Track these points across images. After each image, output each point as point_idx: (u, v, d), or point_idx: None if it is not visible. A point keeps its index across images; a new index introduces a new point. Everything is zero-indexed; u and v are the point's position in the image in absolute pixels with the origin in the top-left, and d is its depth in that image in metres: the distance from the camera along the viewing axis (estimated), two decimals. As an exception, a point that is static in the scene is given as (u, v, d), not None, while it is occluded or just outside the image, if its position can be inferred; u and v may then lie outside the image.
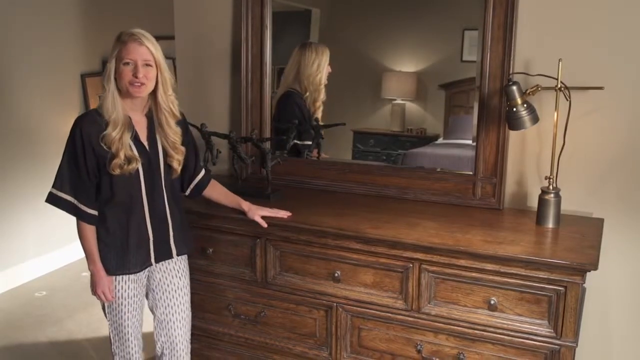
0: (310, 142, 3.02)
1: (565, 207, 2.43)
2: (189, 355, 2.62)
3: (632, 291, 2.52)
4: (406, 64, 2.88)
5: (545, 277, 2.09)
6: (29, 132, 4.26)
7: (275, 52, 2.96)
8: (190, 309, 2.58)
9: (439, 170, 2.68)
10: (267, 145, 2.74)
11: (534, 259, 2.09)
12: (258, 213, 2.48)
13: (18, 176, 4.23)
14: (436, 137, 2.86)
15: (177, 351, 2.57)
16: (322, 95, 2.97)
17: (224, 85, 3.09)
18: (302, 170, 2.88)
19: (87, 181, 2.28)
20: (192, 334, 2.69)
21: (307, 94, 2.96)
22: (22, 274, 4.28)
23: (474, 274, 2.19)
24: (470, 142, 2.63)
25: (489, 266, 2.15)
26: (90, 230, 2.34)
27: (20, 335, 3.58)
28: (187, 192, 2.54)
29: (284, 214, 2.48)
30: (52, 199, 2.33)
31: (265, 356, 2.64)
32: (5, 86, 4.15)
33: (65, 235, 4.41)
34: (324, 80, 2.95)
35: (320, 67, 2.94)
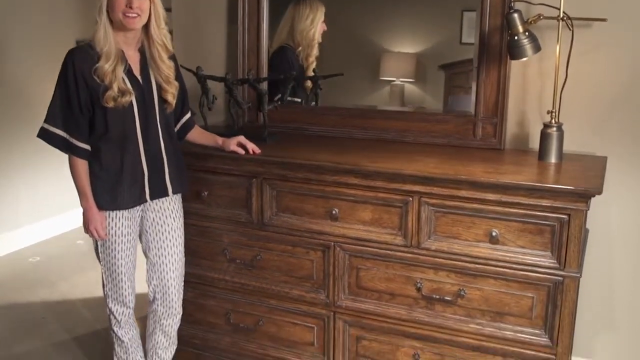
0: (299, 100, 2.97)
1: (568, 147, 2.38)
2: (181, 300, 2.56)
3: (636, 232, 2.46)
4: (405, 46, 2.84)
5: (549, 205, 2.04)
6: (22, 98, 4.20)
7: (271, 39, 2.93)
8: (183, 252, 2.53)
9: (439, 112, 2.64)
10: (264, 86, 2.68)
11: (537, 185, 2.04)
12: (233, 142, 2.45)
13: (11, 143, 4.18)
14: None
15: (169, 295, 2.51)
16: (315, 51, 2.92)
17: (220, 34, 3.03)
18: (301, 117, 2.82)
19: (80, 115, 2.23)
20: (186, 282, 2.64)
21: (300, 48, 2.92)
22: (15, 241, 4.21)
23: (475, 205, 2.14)
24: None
25: (491, 196, 2.10)
26: (83, 165, 2.28)
27: (12, 296, 3.53)
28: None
29: (254, 146, 2.45)
30: (43, 135, 2.28)
31: (261, 301, 2.58)
32: (-2, 53, 4.11)
33: (59, 203, 4.36)
34: (317, 36, 2.90)
35: (314, 22, 2.90)
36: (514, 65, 2.48)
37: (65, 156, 2.31)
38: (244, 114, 2.85)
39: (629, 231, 2.47)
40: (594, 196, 1.99)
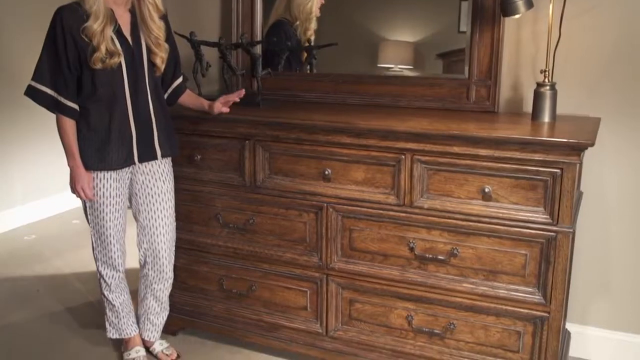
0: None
1: (562, 110, 2.37)
2: (172, 264, 2.56)
3: (631, 194, 2.45)
4: (403, 34, 2.83)
5: (541, 159, 2.03)
6: (14, 76, 4.19)
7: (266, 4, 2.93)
8: (174, 216, 2.52)
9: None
10: (258, 50, 2.67)
11: (530, 138, 2.03)
12: (217, 106, 2.42)
13: (6, 123, 4.16)
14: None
15: (159, 259, 2.50)
16: (313, 25, 2.92)
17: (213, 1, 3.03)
18: (295, 85, 2.82)
19: (68, 73, 2.22)
20: (179, 248, 2.64)
21: (298, 22, 2.92)
22: (10, 220, 4.19)
23: (467, 162, 2.13)
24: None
25: (483, 151, 2.09)
26: (71, 124, 2.28)
27: (6, 271, 3.51)
28: (165, 97, 2.48)
29: (238, 93, 2.41)
30: (30, 93, 2.26)
31: (254, 266, 2.57)
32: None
33: (55, 183, 4.33)
34: (314, 10, 2.89)
35: None
36: (508, 29, 2.47)
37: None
38: (237, 81, 2.84)
39: (624, 194, 2.46)
40: (586, 148, 1.98)
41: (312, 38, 2.94)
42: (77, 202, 3.90)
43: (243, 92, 2.41)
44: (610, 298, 2.55)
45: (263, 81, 2.71)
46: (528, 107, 2.44)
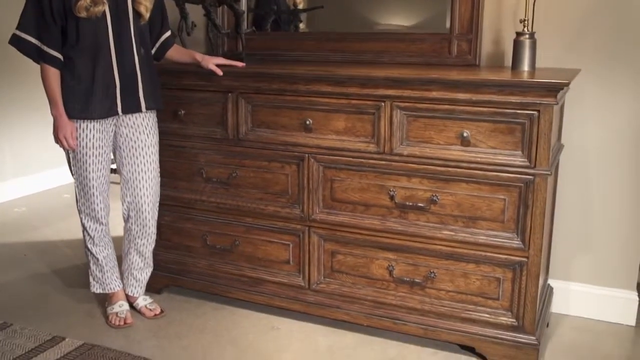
0: None
1: (543, 64, 2.39)
2: (156, 220, 2.57)
3: (612, 148, 2.46)
4: (396, 20, 2.84)
5: (518, 101, 2.04)
6: (8, 54, 4.20)
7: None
8: (158, 170, 2.53)
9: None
10: (242, 6, 2.69)
11: (507, 80, 2.05)
12: (212, 61, 2.44)
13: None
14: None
15: (142, 212, 2.51)
16: None
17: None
18: (279, 44, 2.82)
19: (52, 23, 2.24)
20: (164, 205, 2.65)
21: None
22: None
23: (446, 106, 2.14)
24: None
25: (462, 95, 2.10)
26: (54, 74, 2.29)
27: (-5, 240, 3.53)
28: (153, 51, 2.50)
29: (239, 63, 2.45)
30: (15, 41, 2.29)
31: (237, 221, 2.58)
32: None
33: (46, 159, 4.34)
34: None
35: None
36: (489, -17, 2.49)
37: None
38: (223, 43, 2.85)
39: (604, 147, 2.46)
40: (562, 89, 1.99)
41: (301, 5, 2.96)
42: (68, 178, 3.89)
43: (243, 65, 2.44)
44: (592, 253, 2.56)
45: (248, 41, 2.72)
46: (509, 61, 2.45)
